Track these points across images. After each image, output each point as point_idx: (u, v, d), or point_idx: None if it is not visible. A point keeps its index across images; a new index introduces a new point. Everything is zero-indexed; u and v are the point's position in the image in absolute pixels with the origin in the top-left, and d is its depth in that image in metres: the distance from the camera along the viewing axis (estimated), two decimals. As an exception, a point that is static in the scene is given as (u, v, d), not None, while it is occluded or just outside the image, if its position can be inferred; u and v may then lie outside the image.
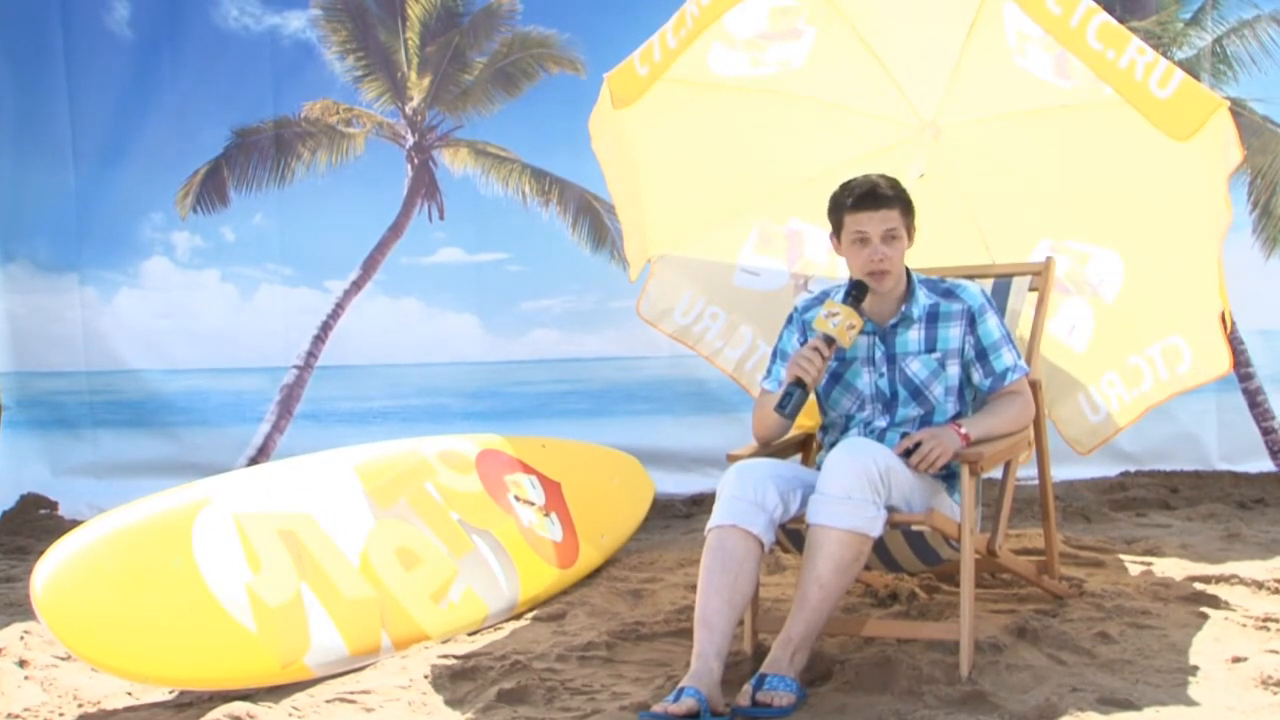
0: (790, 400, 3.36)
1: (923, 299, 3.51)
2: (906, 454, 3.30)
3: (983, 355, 3.49)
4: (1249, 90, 5.31)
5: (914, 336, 3.50)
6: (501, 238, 5.87)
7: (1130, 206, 3.92)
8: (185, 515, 3.39)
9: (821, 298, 3.59)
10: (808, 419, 3.62)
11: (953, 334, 3.49)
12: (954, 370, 3.49)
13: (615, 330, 5.75)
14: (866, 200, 3.42)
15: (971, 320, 3.49)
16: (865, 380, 3.52)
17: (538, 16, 5.79)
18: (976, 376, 3.51)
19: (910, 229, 3.49)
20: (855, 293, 3.44)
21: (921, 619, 3.73)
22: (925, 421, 3.48)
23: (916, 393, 3.49)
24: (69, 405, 6.03)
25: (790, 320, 3.64)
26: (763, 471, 3.26)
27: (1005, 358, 3.50)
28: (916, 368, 3.49)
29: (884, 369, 3.50)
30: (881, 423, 3.50)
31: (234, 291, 6.01)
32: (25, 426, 6.05)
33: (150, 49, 5.95)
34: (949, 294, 3.52)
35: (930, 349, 3.49)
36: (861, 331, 3.48)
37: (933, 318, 3.50)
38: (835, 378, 3.54)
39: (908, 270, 3.53)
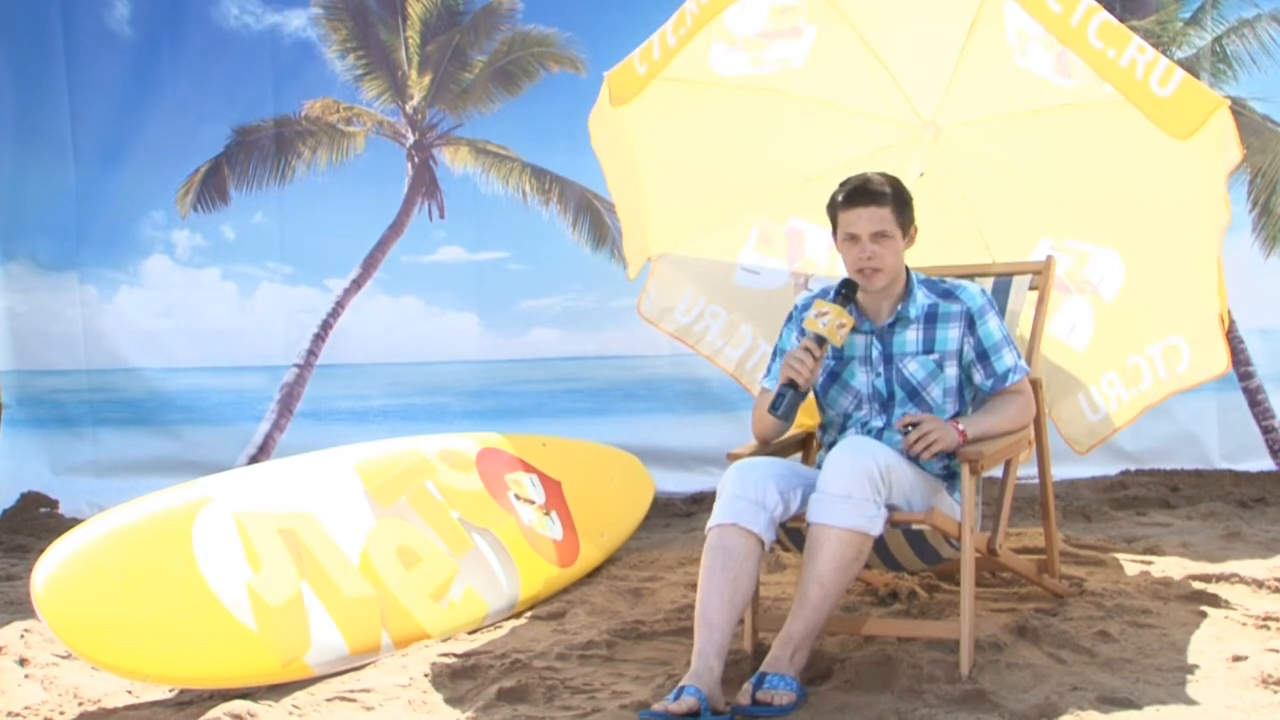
0: (783, 401, 3.35)
1: (921, 299, 3.50)
2: (905, 433, 3.29)
3: (984, 356, 3.49)
4: (1249, 89, 5.31)
5: (911, 337, 3.49)
6: (501, 236, 5.88)
7: (1130, 206, 3.92)
8: (185, 514, 3.39)
9: (822, 294, 3.58)
10: (808, 417, 3.62)
11: (951, 335, 3.48)
12: (952, 371, 3.49)
13: (615, 329, 5.75)
14: (857, 197, 3.41)
15: (970, 322, 3.48)
16: (862, 380, 3.51)
17: (538, 15, 5.80)
18: (978, 377, 3.50)
19: (906, 227, 3.46)
20: (845, 291, 3.43)
21: (922, 618, 3.73)
22: None
23: (914, 393, 3.48)
24: (69, 403, 6.03)
25: (790, 318, 3.63)
26: (763, 470, 3.26)
27: (1006, 358, 3.49)
28: (914, 368, 3.48)
29: (880, 369, 3.50)
30: (879, 423, 3.50)
31: (234, 290, 6.01)
32: (26, 425, 6.05)
33: (151, 47, 5.95)
34: (948, 294, 3.51)
35: (928, 350, 3.48)
36: (859, 330, 3.48)
37: (931, 318, 3.49)
38: (833, 376, 3.54)
39: (908, 269, 3.52)
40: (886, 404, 3.50)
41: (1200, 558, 4.31)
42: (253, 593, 3.34)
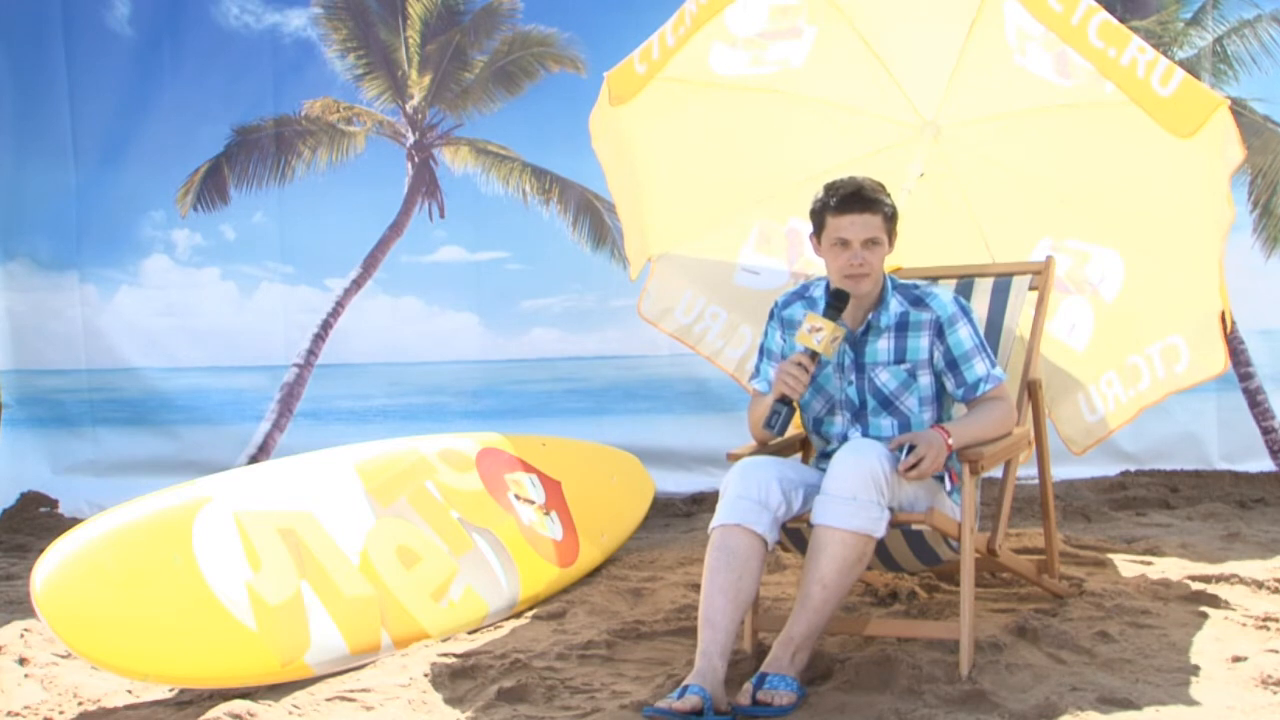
0: (778, 418, 3.33)
1: (894, 307, 3.45)
2: (899, 450, 3.26)
3: (954, 365, 3.43)
4: (1249, 90, 5.31)
5: (883, 346, 3.44)
6: (502, 236, 5.88)
7: (1130, 206, 3.92)
8: (185, 513, 3.39)
9: (801, 291, 3.56)
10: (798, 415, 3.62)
11: (921, 344, 3.43)
12: (926, 380, 3.44)
13: (615, 329, 5.76)
14: (850, 203, 3.37)
15: (939, 331, 3.42)
16: (835, 385, 3.48)
17: (538, 15, 5.80)
18: (949, 386, 3.45)
19: (892, 234, 3.43)
20: (836, 303, 3.39)
21: (921, 618, 3.73)
22: (903, 432, 3.43)
23: (886, 403, 3.44)
24: (69, 403, 6.03)
25: (771, 316, 3.60)
26: (766, 470, 3.25)
27: (978, 368, 3.43)
28: (885, 378, 3.44)
29: (853, 376, 3.46)
30: (855, 433, 3.46)
31: (234, 289, 6.01)
32: (26, 424, 6.05)
33: (151, 47, 5.95)
34: (919, 302, 3.45)
35: (899, 359, 3.43)
36: None
37: (902, 327, 3.44)
38: None
39: (884, 275, 3.48)
40: (859, 413, 3.46)
41: (1200, 558, 4.31)
42: (252, 592, 3.34)
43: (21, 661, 3.58)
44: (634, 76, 4.05)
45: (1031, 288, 3.88)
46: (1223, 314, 3.62)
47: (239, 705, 3.11)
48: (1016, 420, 3.55)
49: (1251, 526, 4.76)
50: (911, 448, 3.24)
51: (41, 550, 3.20)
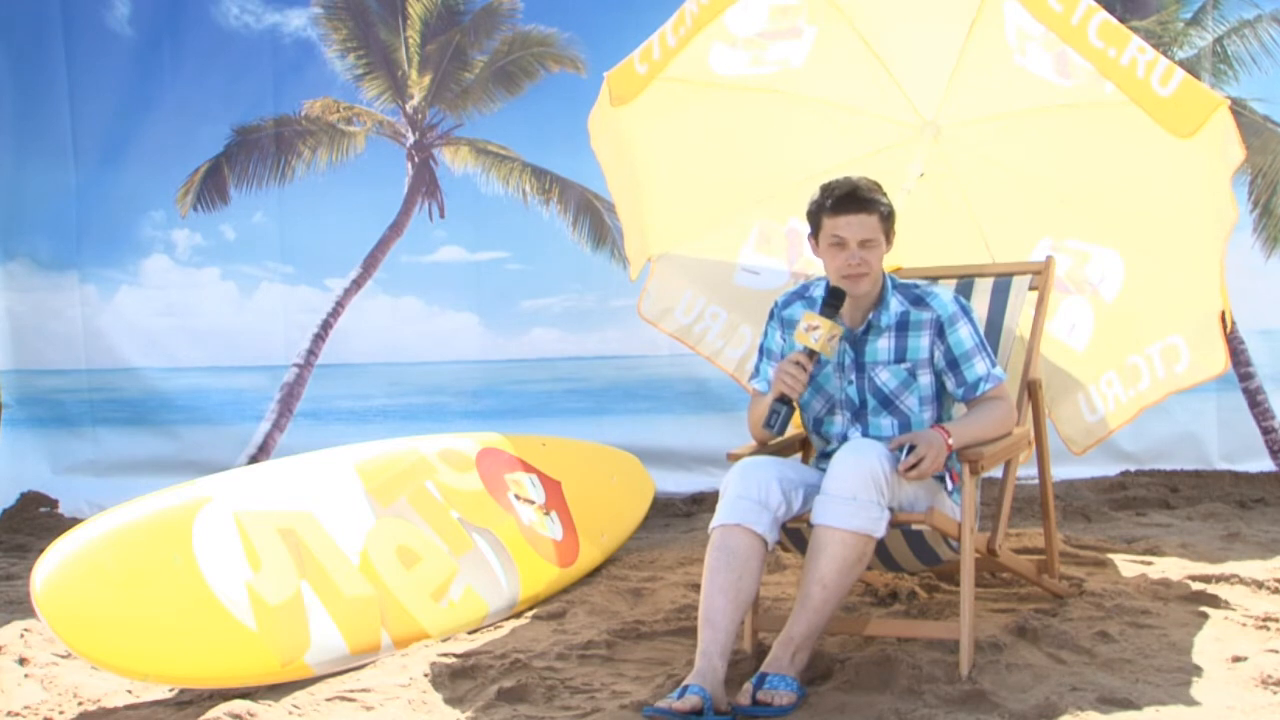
0: (777, 417, 3.34)
1: (894, 306, 3.44)
2: (899, 450, 3.26)
3: (954, 365, 3.43)
4: (1250, 90, 5.31)
5: (883, 345, 3.44)
6: (502, 236, 5.88)
7: (1130, 206, 3.92)
8: (185, 513, 3.39)
9: (801, 291, 3.56)
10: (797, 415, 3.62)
11: (922, 344, 3.42)
12: (926, 379, 3.44)
13: (615, 329, 5.76)
14: (846, 204, 3.36)
15: (940, 330, 3.42)
16: (834, 384, 3.48)
17: (538, 15, 5.80)
18: (950, 385, 3.45)
19: (889, 234, 3.42)
20: (833, 301, 3.39)
21: (921, 618, 3.74)
22: (903, 432, 3.43)
23: (887, 402, 3.44)
24: (69, 403, 6.03)
25: (771, 316, 3.60)
26: (766, 470, 3.25)
27: (978, 367, 3.43)
28: (886, 378, 3.44)
29: (853, 376, 3.46)
30: (855, 432, 3.47)
31: (234, 289, 6.01)
32: (26, 424, 6.05)
33: (151, 47, 5.95)
34: (919, 301, 3.45)
35: (899, 359, 3.43)
36: None
37: (902, 326, 3.44)
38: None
39: (883, 274, 3.48)
40: (859, 412, 3.46)
41: (1200, 558, 4.31)
42: (252, 592, 3.34)
43: (21, 661, 3.58)
44: (635, 77, 4.05)
45: (1031, 288, 3.88)
46: (1223, 314, 3.62)
47: (239, 705, 3.11)
48: (1016, 420, 3.55)
49: (1251, 526, 4.76)
50: (912, 448, 3.24)
51: (41, 550, 3.20)
